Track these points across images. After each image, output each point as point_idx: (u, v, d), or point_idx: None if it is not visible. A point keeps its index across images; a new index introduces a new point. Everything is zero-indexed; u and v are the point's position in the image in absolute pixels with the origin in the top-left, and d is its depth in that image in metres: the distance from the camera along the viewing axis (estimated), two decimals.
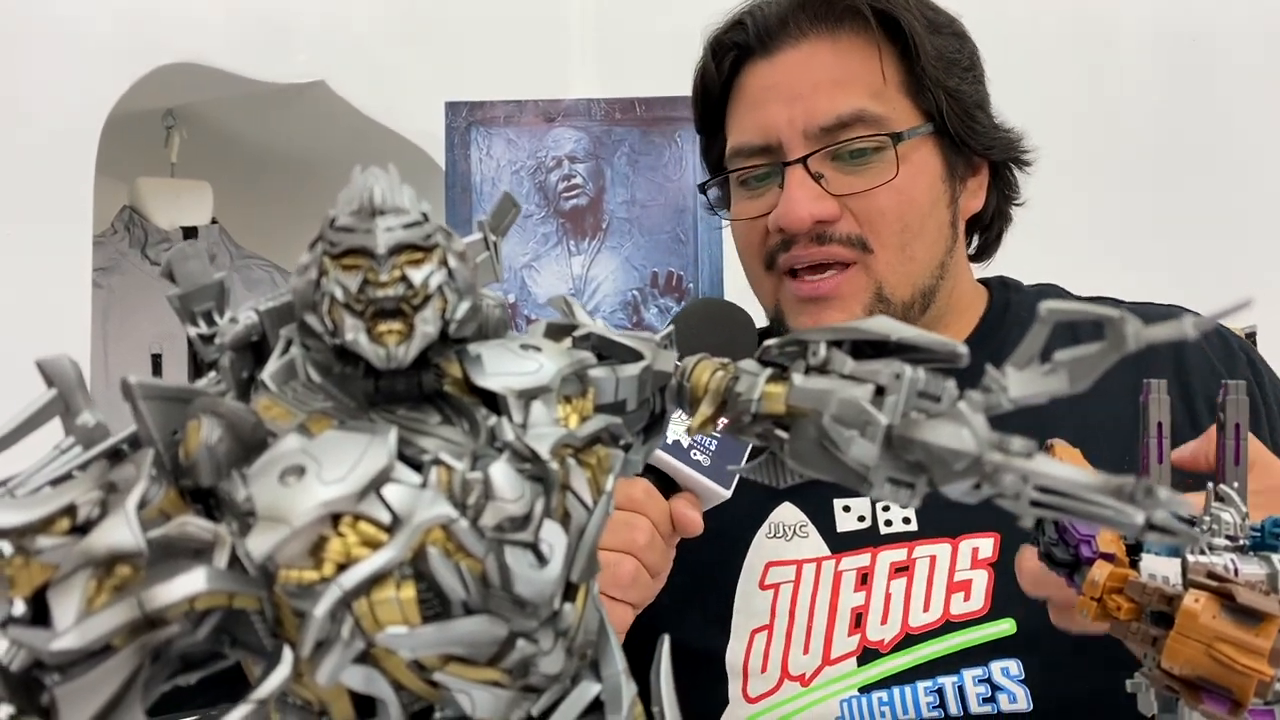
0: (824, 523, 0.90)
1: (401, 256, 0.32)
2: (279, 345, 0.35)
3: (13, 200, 1.68)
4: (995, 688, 0.82)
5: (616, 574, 0.71)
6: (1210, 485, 0.53)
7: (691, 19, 1.00)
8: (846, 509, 0.91)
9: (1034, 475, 0.30)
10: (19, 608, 0.29)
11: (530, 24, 2.31)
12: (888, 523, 0.90)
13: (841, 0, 0.91)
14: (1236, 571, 0.50)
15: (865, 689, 0.84)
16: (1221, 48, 2.08)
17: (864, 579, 0.88)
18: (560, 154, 1.76)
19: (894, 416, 0.33)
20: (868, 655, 0.85)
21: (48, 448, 0.34)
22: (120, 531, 0.29)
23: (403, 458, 0.31)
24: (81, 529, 0.30)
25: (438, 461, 0.31)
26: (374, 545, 0.30)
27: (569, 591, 0.32)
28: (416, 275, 0.32)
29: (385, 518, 0.30)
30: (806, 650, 0.87)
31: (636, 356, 0.38)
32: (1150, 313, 0.31)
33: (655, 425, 0.40)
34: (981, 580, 0.85)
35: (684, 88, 1.02)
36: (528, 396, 0.34)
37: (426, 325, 0.32)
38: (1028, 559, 0.60)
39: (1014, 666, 0.82)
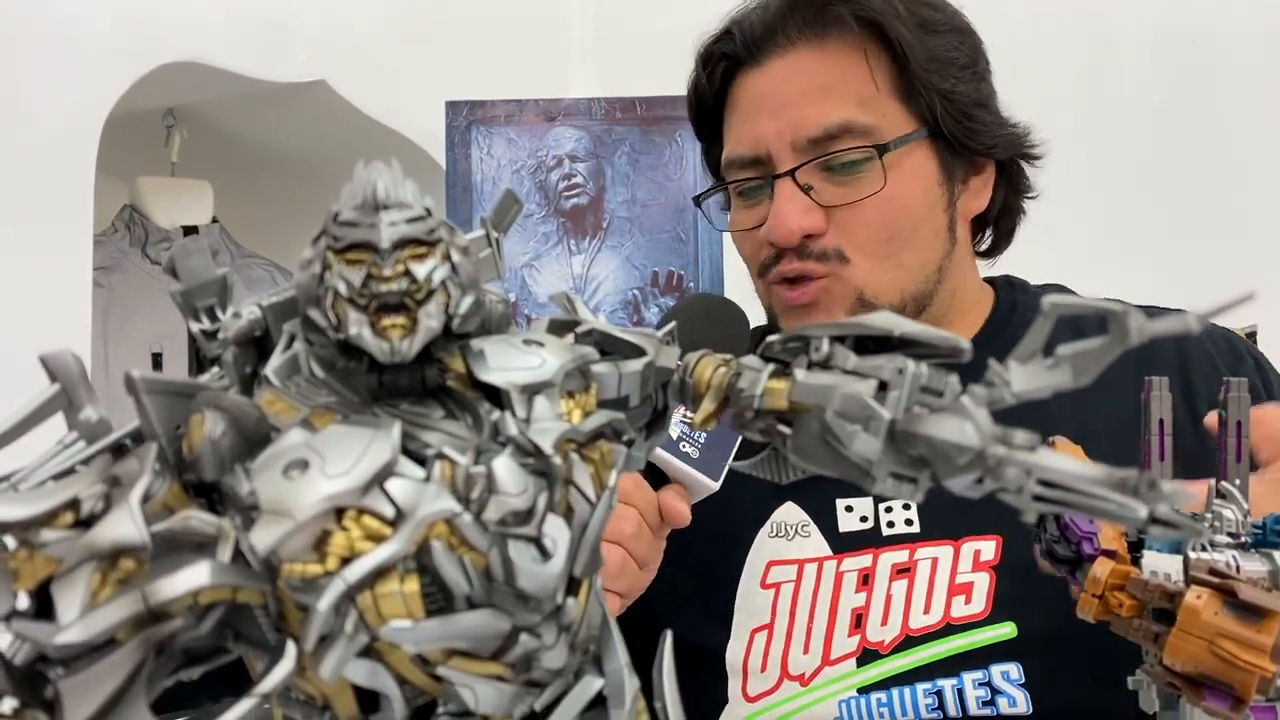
0: (826, 523, 0.90)
1: (405, 251, 0.32)
2: (282, 340, 0.35)
3: (13, 200, 1.67)
4: (995, 691, 0.82)
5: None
6: (1212, 482, 0.54)
7: (691, 19, 1.00)
8: (849, 509, 0.90)
9: (1037, 469, 0.30)
10: (23, 601, 0.29)
11: (530, 23, 2.31)
12: (890, 524, 0.89)
13: (828, 8, 0.89)
14: (1238, 568, 0.50)
15: (864, 690, 0.84)
16: (1221, 48, 2.08)
17: (865, 580, 0.88)
18: (561, 153, 1.76)
19: (897, 411, 0.33)
20: (867, 656, 0.85)
21: (51, 443, 0.34)
22: (124, 525, 0.29)
23: (406, 452, 0.31)
24: (85, 523, 0.30)
25: (441, 456, 0.31)
26: (378, 539, 0.30)
27: (572, 586, 0.32)
28: (420, 270, 0.32)
29: (389, 512, 0.30)
30: (806, 650, 0.86)
31: (639, 352, 0.38)
32: (1155, 314, 0.31)
33: (657, 421, 0.40)
34: (983, 583, 0.85)
35: (684, 87, 1.02)
36: (531, 391, 0.34)
37: (430, 320, 0.32)
38: None
39: (1014, 670, 0.82)
